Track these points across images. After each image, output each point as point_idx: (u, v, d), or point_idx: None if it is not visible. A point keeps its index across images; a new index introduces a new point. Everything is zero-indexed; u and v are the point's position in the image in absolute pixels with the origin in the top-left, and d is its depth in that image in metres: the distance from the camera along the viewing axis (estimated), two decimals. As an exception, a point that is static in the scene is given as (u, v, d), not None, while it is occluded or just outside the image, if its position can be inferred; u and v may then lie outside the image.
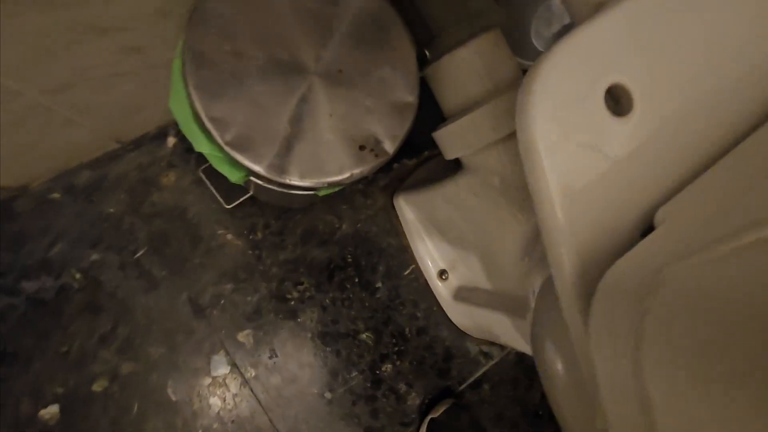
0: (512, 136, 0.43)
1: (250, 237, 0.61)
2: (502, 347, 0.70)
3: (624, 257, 0.20)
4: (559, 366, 0.33)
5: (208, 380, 0.58)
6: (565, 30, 0.59)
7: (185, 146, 0.58)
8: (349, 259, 0.65)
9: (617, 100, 0.24)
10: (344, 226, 0.65)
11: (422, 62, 0.41)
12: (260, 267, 0.61)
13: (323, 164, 0.33)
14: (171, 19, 0.34)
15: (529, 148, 0.22)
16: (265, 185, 0.35)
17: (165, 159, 0.58)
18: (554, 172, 0.22)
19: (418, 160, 0.68)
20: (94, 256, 0.56)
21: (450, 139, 0.46)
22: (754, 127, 0.23)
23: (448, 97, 0.46)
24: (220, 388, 0.59)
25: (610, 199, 0.23)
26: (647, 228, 0.23)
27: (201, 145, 0.32)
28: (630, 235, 0.23)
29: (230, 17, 0.30)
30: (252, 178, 0.35)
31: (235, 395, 0.59)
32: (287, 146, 0.32)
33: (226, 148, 0.31)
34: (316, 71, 0.33)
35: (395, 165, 0.67)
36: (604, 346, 0.19)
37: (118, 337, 0.56)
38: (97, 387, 0.55)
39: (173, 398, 0.57)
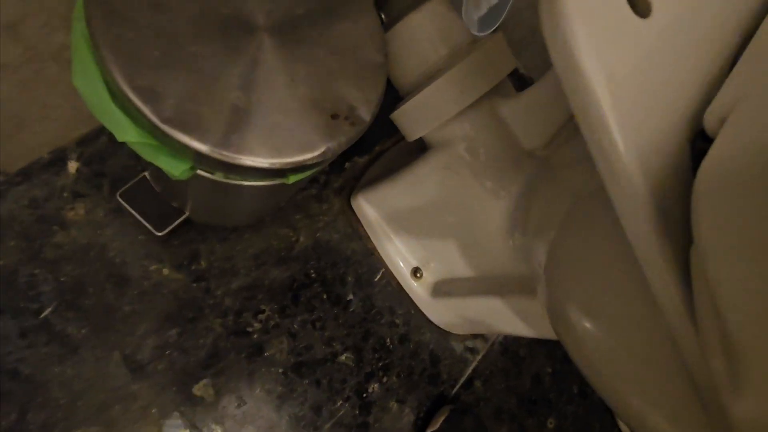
0: (480, 101, 0.41)
1: (193, 267, 0.51)
2: (485, 339, 0.67)
3: (712, 156, 0.17)
4: (589, 325, 0.29)
5: (164, 453, 0.47)
6: (492, 11, 0.59)
7: (93, 170, 0.48)
8: (313, 275, 0.57)
9: (634, 4, 0.22)
10: (302, 238, 0.57)
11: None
12: (210, 301, 0.51)
13: (290, 138, 0.27)
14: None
15: (565, 42, 0.18)
16: (218, 179, 0.28)
17: (67, 189, 0.47)
18: (597, 61, 0.18)
19: (370, 156, 0.63)
20: (-20, 327, 0.42)
21: (413, 117, 0.43)
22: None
23: (405, 69, 0.42)
24: (181, 460, 0.47)
25: (656, 105, 0.20)
26: (696, 133, 0.20)
27: (126, 132, 0.24)
28: (679, 142, 0.20)
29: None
30: (200, 171, 0.27)
31: (201, 464, 0.48)
32: (242, 119, 0.25)
33: (164, 127, 0.23)
34: (267, 27, 0.27)
35: (347, 164, 0.62)
36: (729, 251, 0.15)
37: (29, 427, 0.43)
38: (6, 501, 0.41)
39: (119, 488, 0.44)
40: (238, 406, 0.51)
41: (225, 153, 0.25)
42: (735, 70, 0.21)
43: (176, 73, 0.24)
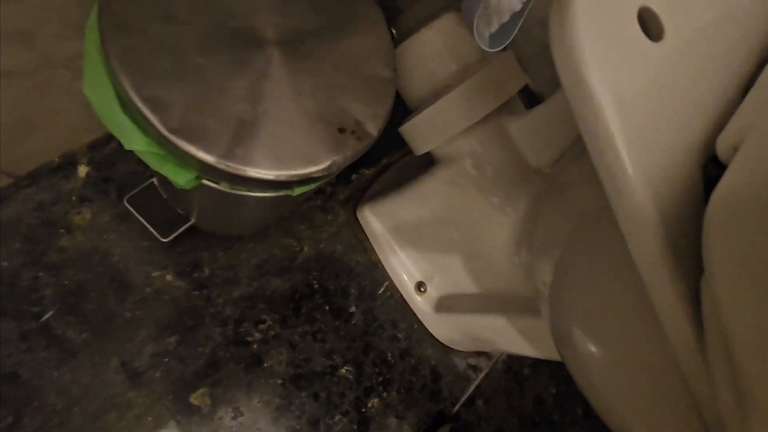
0: (489, 118, 0.41)
1: (195, 275, 0.51)
2: (489, 357, 0.66)
3: (725, 184, 0.16)
4: (594, 349, 0.29)
5: (158, 464, 0.46)
6: (503, 28, 0.59)
7: (102, 175, 0.48)
8: (316, 285, 0.57)
9: (646, 27, 0.22)
10: (305, 249, 0.57)
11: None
12: (210, 309, 0.51)
13: (296, 151, 0.27)
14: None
15: (574, 60, 0.18)
16: (223, 188, 0.28)
17: (75, 193, 0.47)
18: (605, 81, 0.18)
19: (377, 168, 0.63)
20: (-18, 329, 0.42)
21: (421, 131, 0.43)
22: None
23: (415, 83, 0.42)
24: (176, 470, 0.46)
25: (661, 119, 0.20)
26: (708, 158, 0.20)
27: (133, 140, 0.24)
28: (690, 167, 0.20)
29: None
30: (205, 180, 0.27)
31: (195, 475, 0.47)
32: (248, 131, 0.25)
33: (171, 137, 0.23)
34: (275, 41, 0.27)
35: (353, 176, 0.62)
36: (743, 282, 0.15)
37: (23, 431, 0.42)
38: (-4, 507, 0.40)
39: (111, 498, 0.44)
40: (235, 417, 0.50)
41: (230, 164, 0.25)
42: (749, 96, 0.20)
43: (184, 84, 0.24)
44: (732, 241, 0.14)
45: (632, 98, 0.19)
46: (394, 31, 0.39)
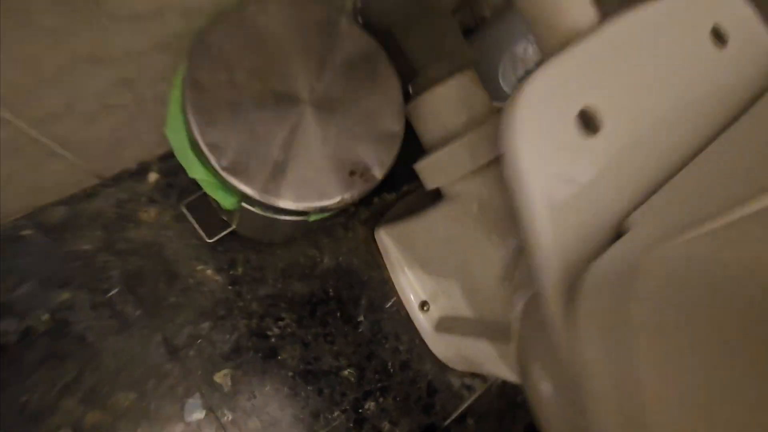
0: (489, 164, 0.47)
1: (230, 272, 0.60)
2: (484, 379, 0.70)
3: (602, 256, 0.22)
4: (547, 388, 0.33)
5: (181, 427, 0.55)
6: (528, 74, 0.65)
7: (167, 182, 0.58)
8: (331, 293, 0.64)
9: (587, 123, 0.28)
10: (326, 260, 0.65)
11: (406, 97, 0.44)
12: (240, 303, 0.60)
13: (315, 189, 0.34)
14: (167, 52, 0.36)
15: (514, 168, 0.24)
16: (257, 211, 0.36)
17: (145, 195, 0.57)
18: (538, 189, 0.24)
19: (398, 194, 0.70)
20: (64, 296, 0.53)
21: (431, 170, 0.49)
22: (711, 140, 0.27)
23: (429, 130, 0.49)
24: (195, 435, 0.55)
25: (588, 212, 0.25)
26: (619, 234, 0.26)
27: (196, 171, 0.33)
28: (606, 243, 0.25)
29: (229, 50, 0.32)
30: (244, 204, 0.35)
31: (211, 443, 0.55)
32: (280, 171, 0.33)
33: (222, 173, 0.32)
34: (309, 101, 0.35)
35: (375, 199, 0.69)
36: (593, 339, 0.21)
37: (83, 384, 0.52)
38: (58, 441, 0.50)
39: (142, 449, 0.53)
40: (249, 398, 0.58)
41: (264, 195, 0.33)
42: (665, 186, 0.26)
43: (237, 134, 0.33)
44: (590, 308, 0.20)
45: (562, 204, 0.24)
46: (410, 88, 0.46)
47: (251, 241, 0.62)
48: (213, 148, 0.32)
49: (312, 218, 0.36)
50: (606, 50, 0.28)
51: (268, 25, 0.34)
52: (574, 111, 0.26)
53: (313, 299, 0.63)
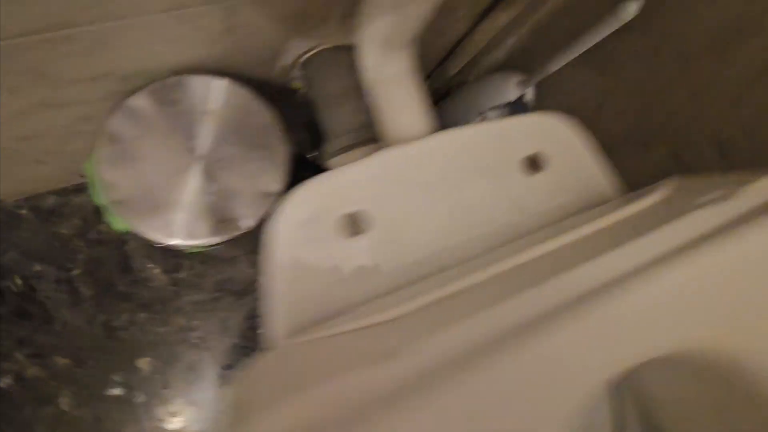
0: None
1: (173, 275, 0.70)
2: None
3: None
4: None
5: (100, 397, 0.64)
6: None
7: (138, 190, 0.70)
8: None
9: (356, 225, 0.33)
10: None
11: (299, 160, 0.52)
12: (175, 303, 0.69)
13: (186, 230, 0.43)
14: (114, 98, 0.46)
15: (269, 241, 0.31)
16: (143, 237, 0.45)
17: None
18: (281, 262, 0.30)
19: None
20: (37, 268, 0.66)
21: None
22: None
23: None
24: (112, 407, 0.64)
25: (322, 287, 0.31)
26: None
27: (98, 199, 0.42)
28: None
29: (144, 111, 0.42)
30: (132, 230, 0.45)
31: (122, 418, 0.65)
32: (163, 212, 0.42)
33: (111, 205, 0.41)
34: (201, 157, 0.44)
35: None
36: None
37: (33, 342, 0.64)
38: (2, 383, 0.62)
39: (64, 408, 0.63)
40: (164, 387, 0.67)
41: (145, 230, 0.42)
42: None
43: (135, 177, 0.42)
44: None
45: (301, 267, 0.31)
46: (317, 154, 0.53)
47: (199, 252, 0.71)
48: (111, 186, 0.41)
49: (188, 251, 0.44)
50: (396, 167, 0.34)
51: (184, 97, 0.43)
52: (339, 213, 0.32)
53: (250, 315, 0.71)
